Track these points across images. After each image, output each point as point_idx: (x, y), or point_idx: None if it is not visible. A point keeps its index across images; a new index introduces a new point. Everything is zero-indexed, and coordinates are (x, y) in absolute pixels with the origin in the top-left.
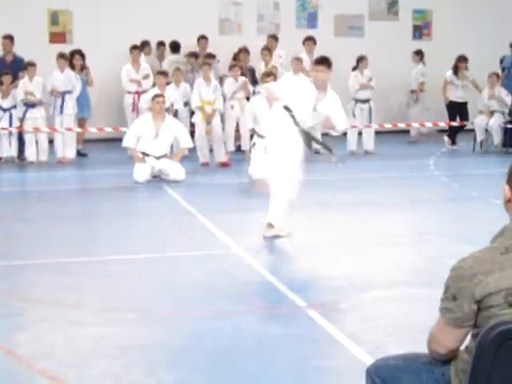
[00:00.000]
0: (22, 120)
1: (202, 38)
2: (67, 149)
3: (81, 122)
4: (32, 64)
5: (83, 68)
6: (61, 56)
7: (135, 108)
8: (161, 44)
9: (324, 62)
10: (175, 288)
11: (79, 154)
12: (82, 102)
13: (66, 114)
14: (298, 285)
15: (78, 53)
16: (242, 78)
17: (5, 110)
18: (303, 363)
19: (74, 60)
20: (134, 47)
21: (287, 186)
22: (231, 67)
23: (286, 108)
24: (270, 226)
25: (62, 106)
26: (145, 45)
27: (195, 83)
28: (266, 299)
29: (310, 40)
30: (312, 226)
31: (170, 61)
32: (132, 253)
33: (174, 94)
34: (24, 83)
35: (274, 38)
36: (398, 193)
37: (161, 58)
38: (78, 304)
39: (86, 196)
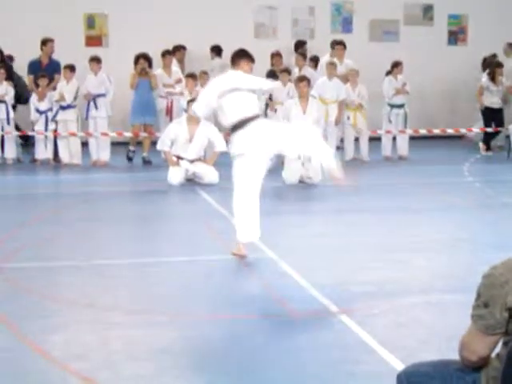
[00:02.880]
0: (54, 121)
1: (277, 55)
2: (101, 151)
3: (146, 128)
4: (69, 67)
5: (145, 72)
6: (93, 59)
7: (169, 112)
8: (182, 48)
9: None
10: (207, 291)
11: (144, 161)
12: (147, 107)
13: (98, 116)
14: (330, 290)
15: (143, 56)
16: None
17: (41, 113)
18: (335, 368)
19: (137, 64)
20: (167, 52)
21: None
22: (281, 72)
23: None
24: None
25: (94, 109)
26: (177, 49)
27: None
28: (298, 303)
29: (339, 44)
30: (345, 231)
31: (216, 64)
32: (165, 255)
33: None
34: (61, 85)
35: (302, 55)
36: (432, 198)
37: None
38: (112, 306)
39: (120, 198)
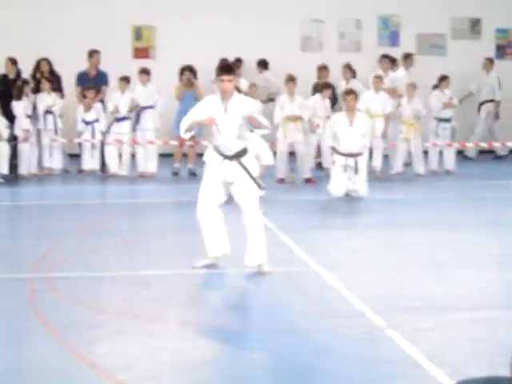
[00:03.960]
0: (106, 133)
1: (323, 69)
2: (148, 163)
3: (191, 139)
4: (124, 78)
5: (191, 83)
6: (143, 71)
7: None
8: (238, 61)
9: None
10: (253, 303)
11: (190, 173)
12: None
13: (146, 128)
14: (376, 304)
15: (188, 68)
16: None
17: (88, 124)
18: (381, 383)
19: (182, 75)
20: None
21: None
22: (324, 86)
23: None
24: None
25: (142, 121)
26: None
27: (277, 99)
28: (344, 317)
29: (385, 58)
30: (391, 245)
31: (265, 77)
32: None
33: None
34: (116, 97)
35: (349, 68)
36: (479, 213)
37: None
38: (158, 317)
39: (165, 210)
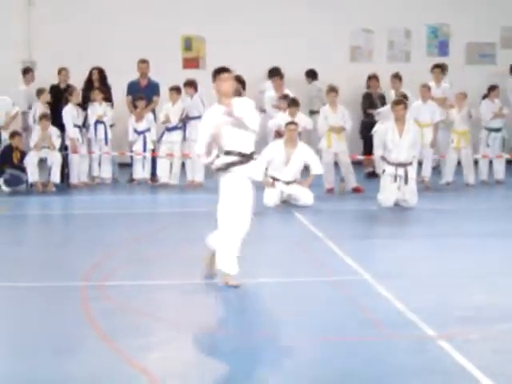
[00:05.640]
0: (157, 142)
1: (373, 78)
2: (196, 173)
3: None
4: (175, 88)
5: (239, 93)
6: (188, 83)
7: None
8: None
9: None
10: (303, 313)
11: None
12: None
13: (192, 139)
14: (427, 314)
15: (236, 78)
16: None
17: (139, 133)
18: None
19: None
20: (278, 74)
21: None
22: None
23: None
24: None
25: (189, 131)
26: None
27: (321, 110)
28: (395, 327)
29: (437, 68)
30: (441, 255)
31: (315, 87)
32: (261, 276)
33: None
34: (167, 107)
35: (398, 78)
36: None
37: None
38: (209, 326)
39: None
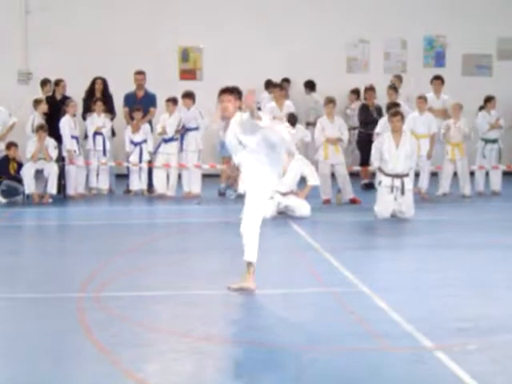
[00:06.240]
0: (153, 154)
1: (370, 90)
2: (192, 184)
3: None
4: (172, 100)
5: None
6: (186, 95)
7: None
8: (286, 81)
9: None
10: (299, 324)
11: (220, 193)
12: None
13: (189, 150)
14: (424, 325)
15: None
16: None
17: (136, 144)
18: None
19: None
20: (279, 86)
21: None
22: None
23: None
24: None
25: (185, 143)
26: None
27: (318, 121)
28: (392, 338)
29: (437, 79)
30: (438, 267)
31: (313, 99)
32: (258, 288)
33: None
34: (163, 118)
35: (399, 77)
36: None
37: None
38: (207, 336)
39: (212, 230)
